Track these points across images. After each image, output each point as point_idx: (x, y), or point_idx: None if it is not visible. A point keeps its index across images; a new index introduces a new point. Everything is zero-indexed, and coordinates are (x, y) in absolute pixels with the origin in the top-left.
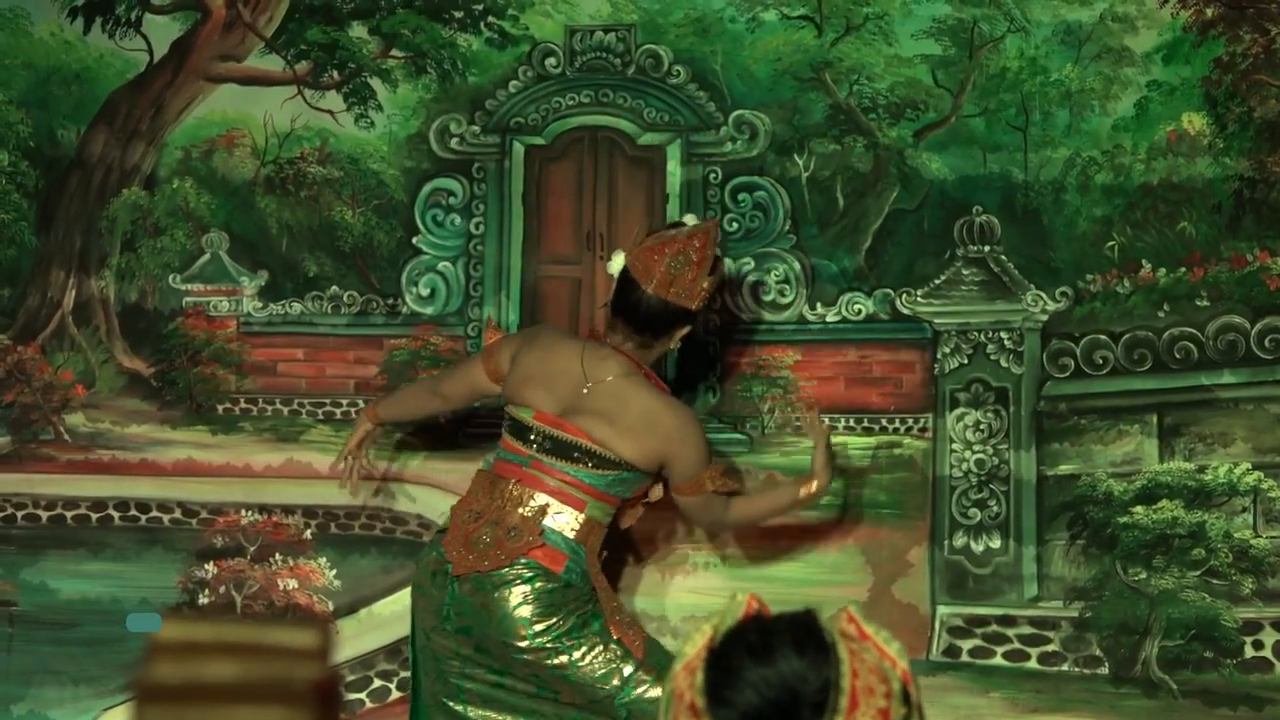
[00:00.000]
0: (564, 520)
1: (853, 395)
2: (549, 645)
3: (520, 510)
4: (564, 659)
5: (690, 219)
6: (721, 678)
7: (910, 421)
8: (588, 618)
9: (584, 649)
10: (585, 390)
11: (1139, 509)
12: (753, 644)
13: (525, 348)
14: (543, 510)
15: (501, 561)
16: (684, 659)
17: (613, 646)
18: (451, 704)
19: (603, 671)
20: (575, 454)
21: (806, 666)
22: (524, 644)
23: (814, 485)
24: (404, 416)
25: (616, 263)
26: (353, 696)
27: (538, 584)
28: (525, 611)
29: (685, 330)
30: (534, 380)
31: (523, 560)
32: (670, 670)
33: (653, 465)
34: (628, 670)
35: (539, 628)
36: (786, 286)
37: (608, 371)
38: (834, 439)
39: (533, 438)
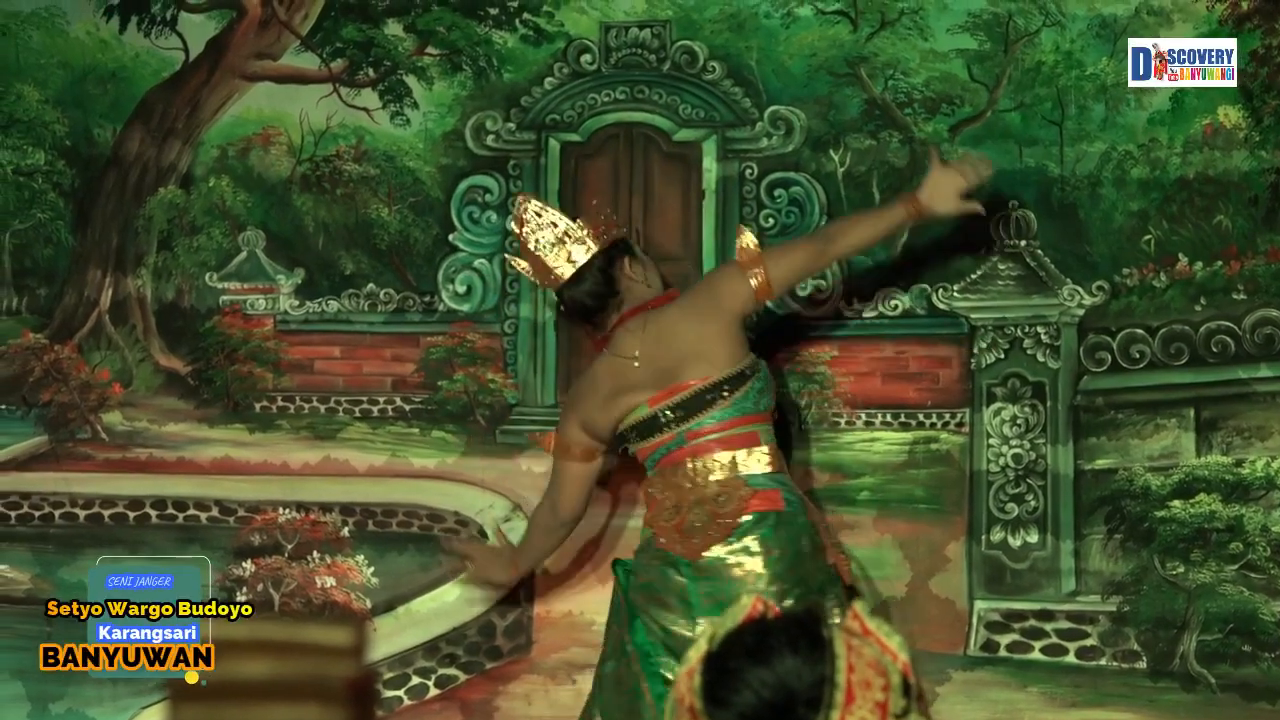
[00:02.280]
0: (754, 460)
1: (889, 391)
2: (799, 591)
3: (713, 477)
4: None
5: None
6: (719, 679)
7: (947, 417)
8: (824, 570)
9: (826, 592)
10: (637, 365)
11: (1176, 503)
12: (749, 645)
13: (582, 408)
14: (733, 463)
15: (728, 528)
16: (687, 664)
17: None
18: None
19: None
20: (707, 398)
21: (801, 664)
22: (776, 589)
23: (919, 203)
24: (542, 559)
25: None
26: (390, 694)
27: (773, 536)
28: (773, 568)
29: (608, 266)
30: (610, 399)
31: (746, 518)
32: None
33: (737, 321)
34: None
35: (788, 583)
36: (823, 282)
37: (633, 344)
38: (870, 434)
39: (663, 420)
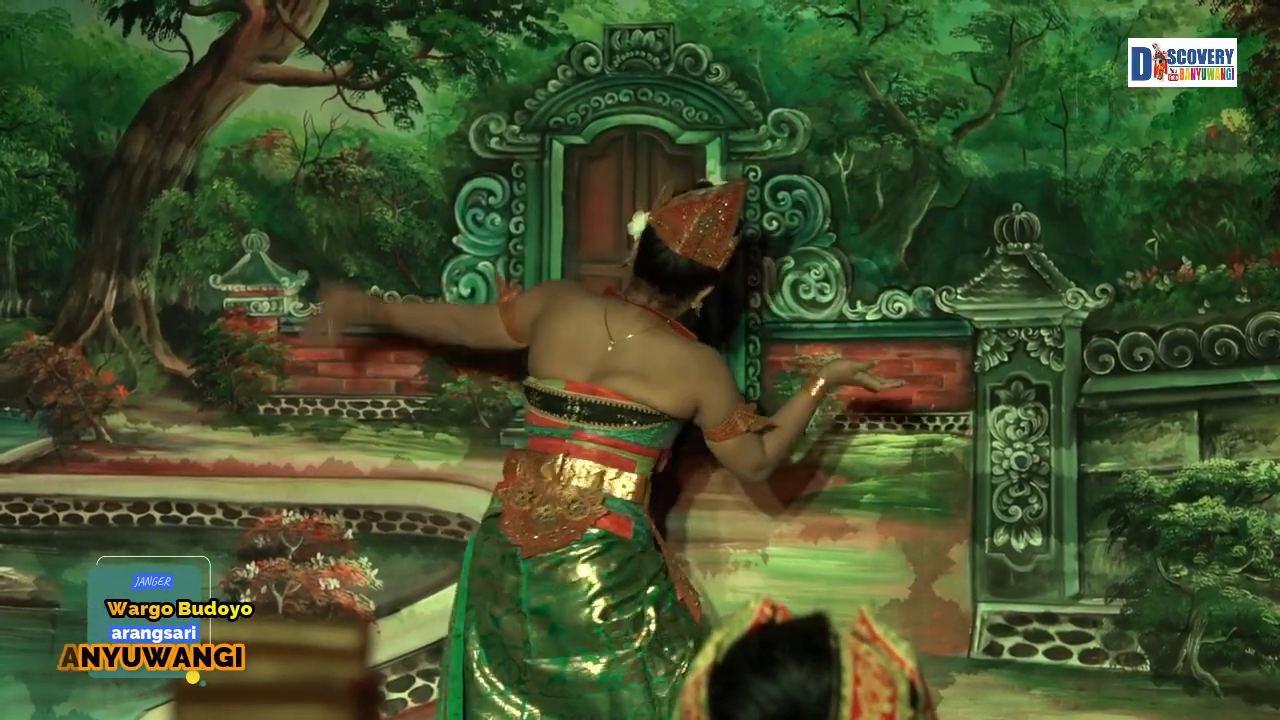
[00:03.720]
0: (621, 484)
1: (893, 393)
2: (628, 616)
3: (575, 482)
4: (644, 631)
5: (716, 178)
6: (724, 693)
7: (951, 419)
8: (660, 582)
9: (657, 617)
10: (610, 349)
11: (1180, 506)
12: (754, 658)
13: (546, 313)
14: (599, 478)
15: (572, 535)
16: (695, 672)
17: (680, 615)
18: (510, 693)
19: (672, 641)
20: (618, 415)
21: (807, 676)
22: (603, 619)
23: (819, 381)
24: (405, 323)
25: (638, 223)
26: (394, 696)
27: (612, 551)
28: (606, 581)
29: (708, 290)
30: (557, 350)
31: (593, 530)
32: (683, 685)
33: (688, 411)
34: (690, 644)
35: (620, 596)
36: (826, 285)
37: (630, 328)
38: (873, 437)
39: (569, 408)
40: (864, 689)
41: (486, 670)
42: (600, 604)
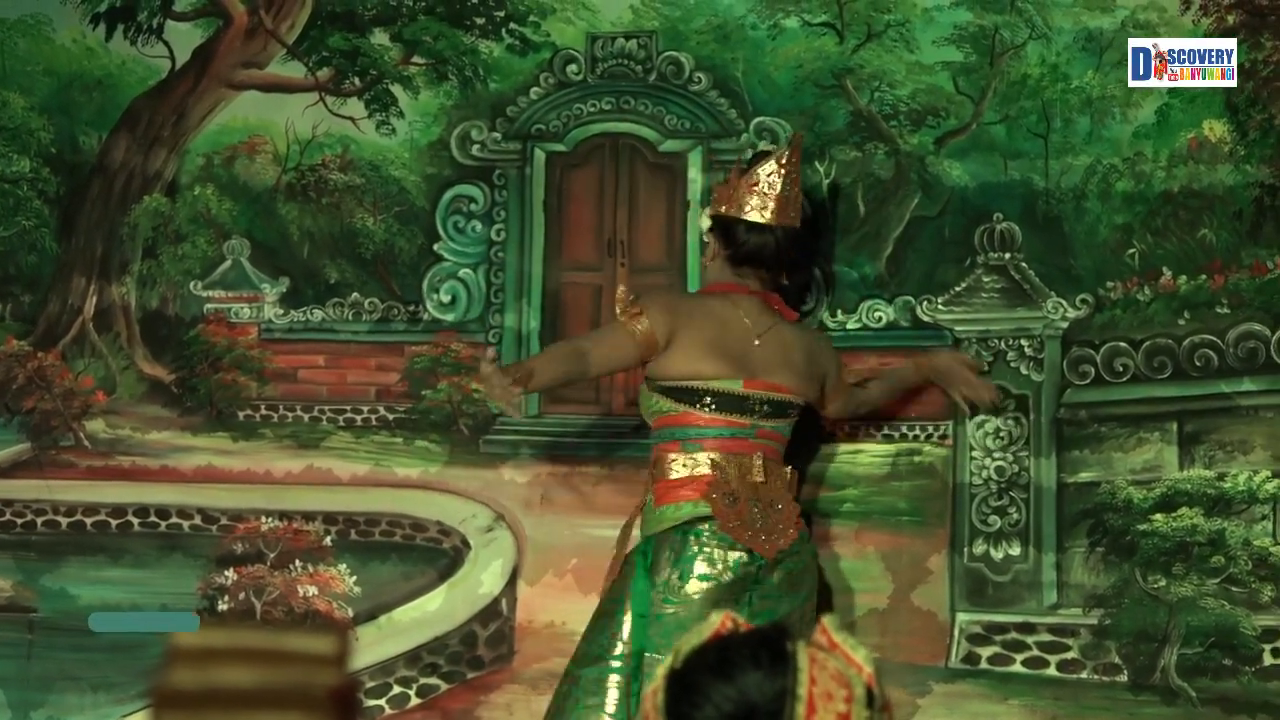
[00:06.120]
0: (792, 480)
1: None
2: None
3: (774, 481)
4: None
5: (763, 146)
6: (682, 695)
7: (930, 429)
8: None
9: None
10: (756, 343)
11: (1158, 516)
12: (712, 661)
13: (681, 316)
14: (783, 476)
15: (791, 537)
16: (654, 681)
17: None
18: None
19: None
20: (788, 410)
21: (763, 678)
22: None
23: (925, 365)
24: (552, 384)
25: (705, 221)
26: (372, 703)
27: (810, 550)
28: (812, 582)
29: (795, 255)
30: (710, 349)
31: (800, 532)
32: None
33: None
34: None
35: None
36: (807, 293)
37: (762, 319)
38: (853, 446)
39: (753, 405)
40: (819, 689)
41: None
42: (810, 604)
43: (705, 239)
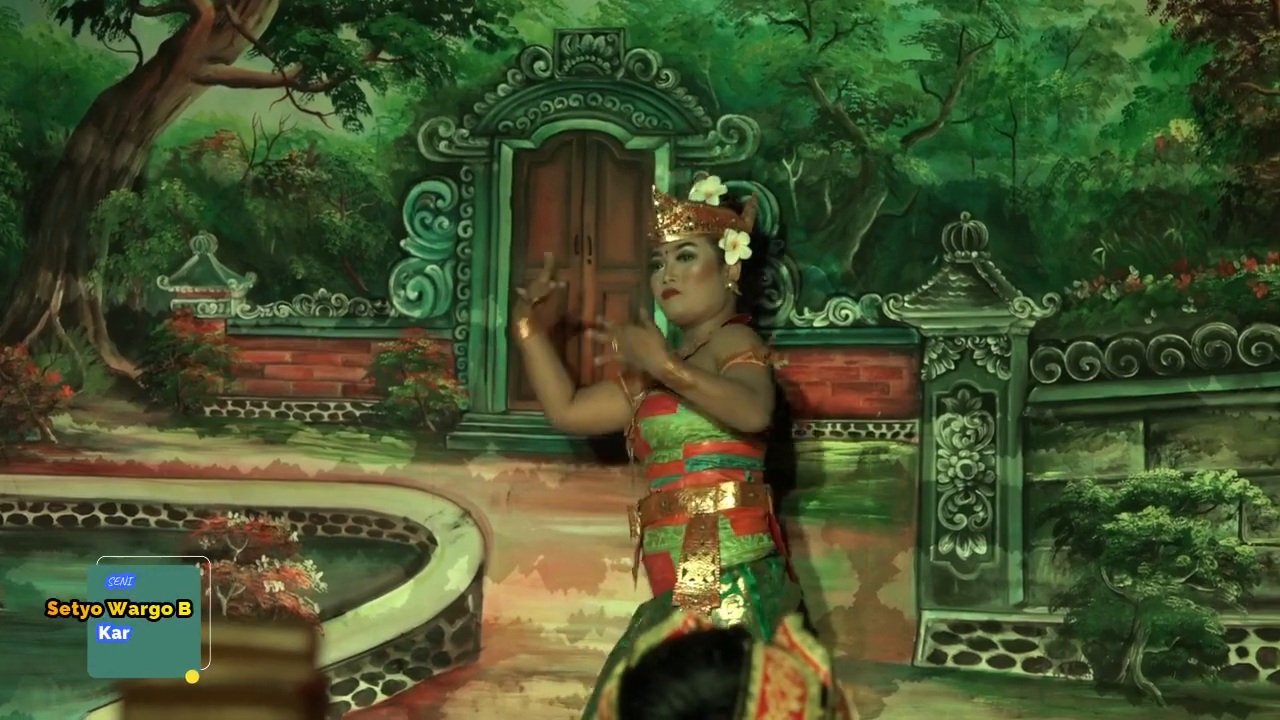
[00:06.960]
0: None
1: (839, 401)
2: None
3: None
4: None
5: (664, 184)
6: (637, 693)
7: (897, 427)
8: None
9: None
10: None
11: (1125, 515)
12: (665, 660)
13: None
14: None
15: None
16: (612, 679)
17: None
18: None
19: None
20: None
21: (717, 675)
22: None
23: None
24: (545, 362)
25: (747, 249)
26: (338, 699)
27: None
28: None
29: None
30: None
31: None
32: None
33: None
34: None
35: None
36: (774, 291)
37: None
38: (819, 444)
39: None
40: (772, 687)
41: None
42: None
43: (730, 260)
